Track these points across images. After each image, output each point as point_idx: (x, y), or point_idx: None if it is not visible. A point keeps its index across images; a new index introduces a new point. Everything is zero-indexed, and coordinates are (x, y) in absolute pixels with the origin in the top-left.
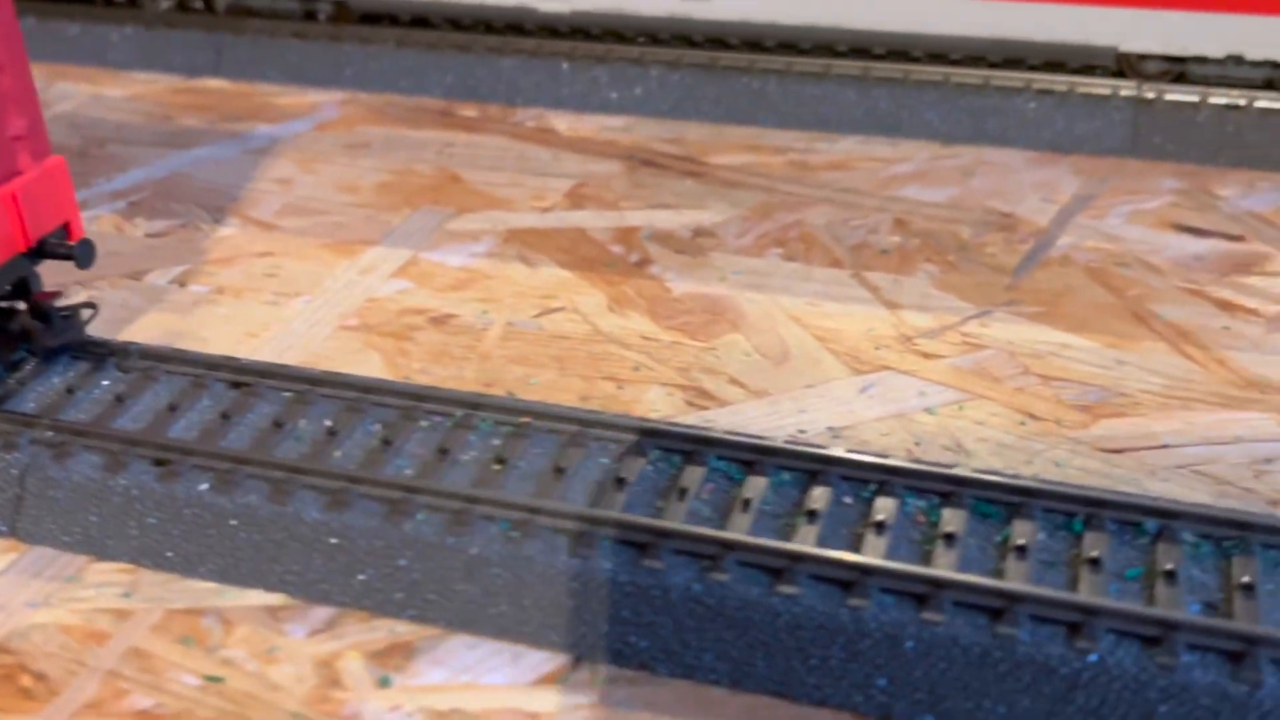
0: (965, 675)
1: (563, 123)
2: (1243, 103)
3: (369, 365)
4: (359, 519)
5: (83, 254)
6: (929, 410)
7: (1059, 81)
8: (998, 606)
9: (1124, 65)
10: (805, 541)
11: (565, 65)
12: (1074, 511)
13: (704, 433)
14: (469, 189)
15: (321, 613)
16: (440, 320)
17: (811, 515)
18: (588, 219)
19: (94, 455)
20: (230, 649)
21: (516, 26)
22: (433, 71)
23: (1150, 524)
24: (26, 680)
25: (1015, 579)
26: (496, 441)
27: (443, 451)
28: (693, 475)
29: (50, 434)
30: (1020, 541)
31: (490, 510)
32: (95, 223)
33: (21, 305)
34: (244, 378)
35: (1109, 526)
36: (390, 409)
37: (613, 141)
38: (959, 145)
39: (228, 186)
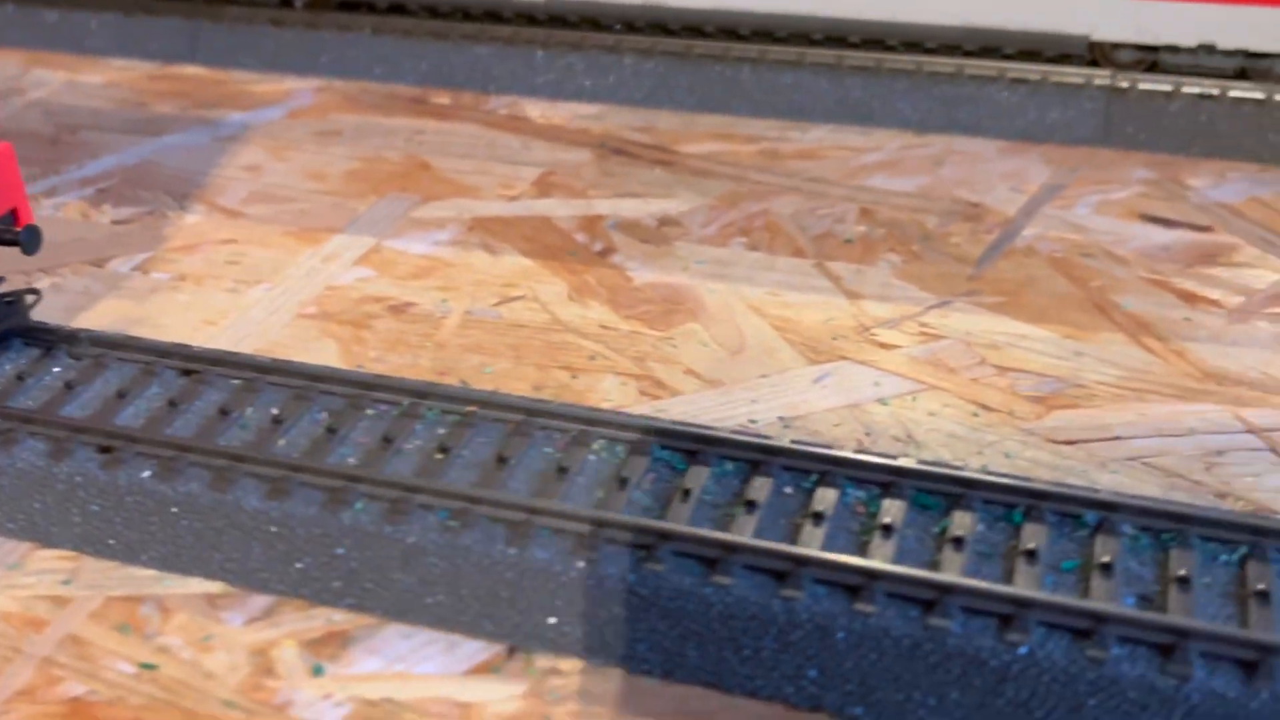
0: (896, 667)
1: (536, 110)
2: (1216, 92)
3: (324, 353)
4: (298, 507)
5: (28, 240)
6: (882, 401)
7: (1032, 70)
8: (930, 598)
9: (1097, 54)
10: (743, 532)
11: (540, 53)
12: (1014, 503)
13: (649, 422)
14: (437, 177)
15: (260, 601)
16: (399, 308)
17: (751, 505)
18: (554, 207)
19: (39, 442)
20: (167, 636)
21: (493, 14)
22: (407, 59)
23: (1090, 516)
24: None
25: (949, 571)
26: (442, 430)
27: (387, 440)
28: (635, 465)
29: None
30: (958, 533)
31: (429, 500)
32: (63, 209)
33: None
34: (194, 365)
35: (1049, 519)
36: (337, 397)
37: (584, 130)
38: (931, 134)
39: (196, 174)
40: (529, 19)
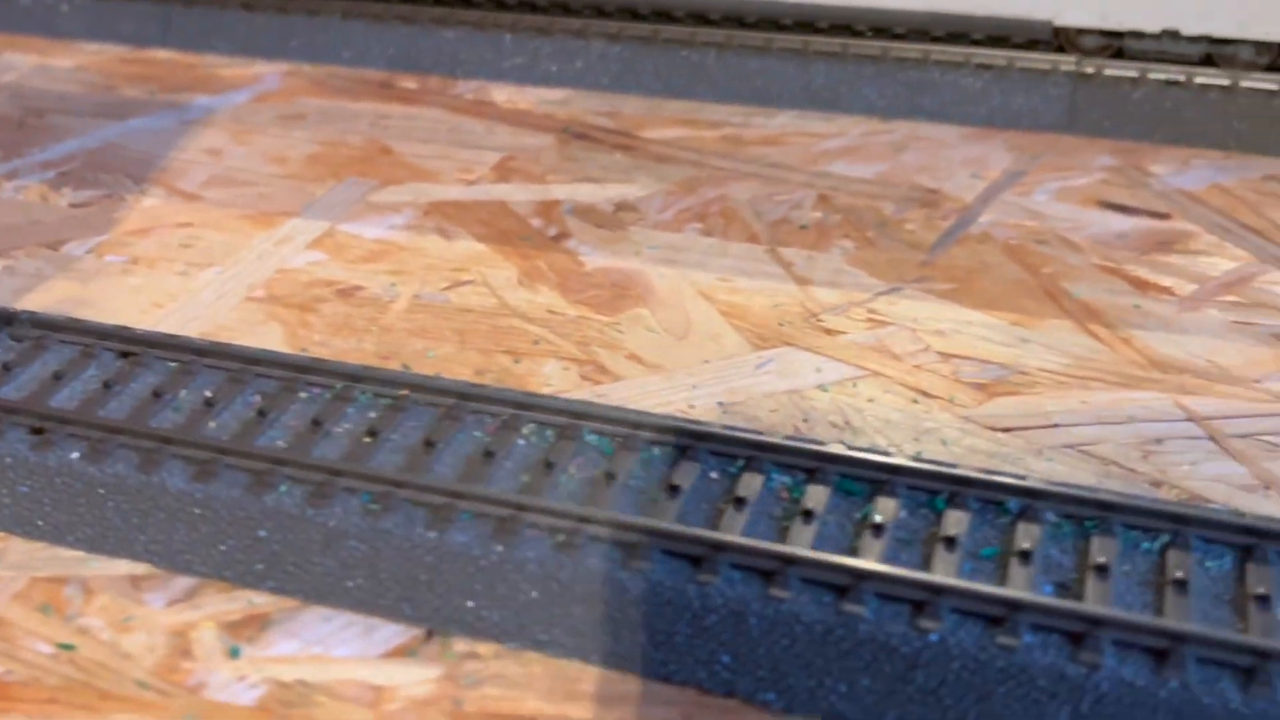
0: (808, 653)
1: (502, 95)
2: (1181, 79)
3: (269, 337)
4: (223, 490)
5: None
6: (822, 387)
7: (998, 56)
8: (844, 584)
9: (1063, 40)
10: (664, 517)
11: (508, 37)
12: (938, 490)
13: (580, 407)
14: (397, 161)
15: (183, 583)
16: (347, 292)
17: (674, 490)
18: (511, 192)
19: None
20: (88, 617)
21: None
22: (375, 43)
23: (1013, 503)
24: None
25: (866, 557)
26: (373, 414)
27: (316, 424)
28: (563, 450)
29: None
30: (878, 519)
31: (353, 483)
32: (23, 192)
33: None
34: (133, 348)
35: (972, 505)
36: (272, 380)
37: (549, 115)
38: (896, 121)
39: (158, 157)
40: (497, 4)
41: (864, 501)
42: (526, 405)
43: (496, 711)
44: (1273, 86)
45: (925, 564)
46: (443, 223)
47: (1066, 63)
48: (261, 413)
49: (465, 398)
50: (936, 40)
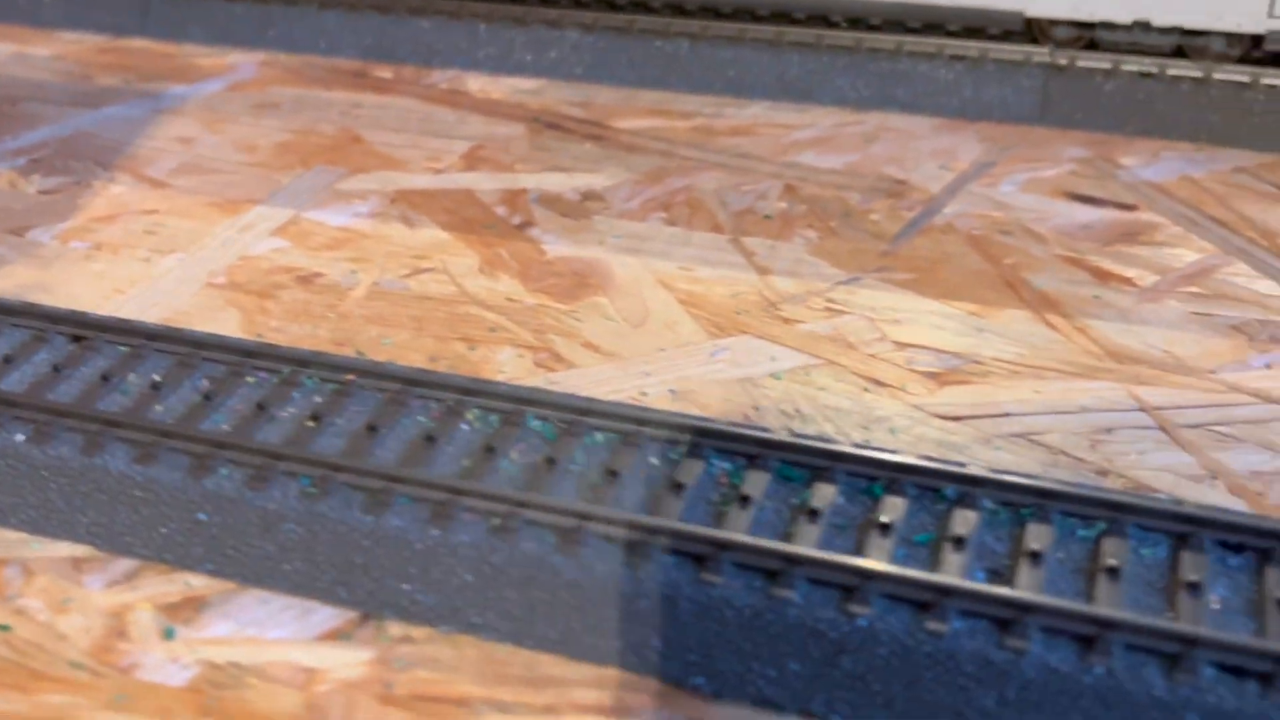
0: (737, 638)
1: (476, 85)
2: (1154, 70)
3: (226, 323)
4: (164, 473)
5: None
6: (775, 375)
7: (972, 48)
8: (775, 568)
9: (1036, 31)
10: (602, 503)
11: (483, 27)
12: (877, 476)
13: (526, 393)
14: (367, 150)
15: (123, 565)
16: (307, 279)
17: (614, 476)
18: (479, 181)
19: None
20: (27, 599)
21: None
22: (351, 33)
23: (950, 490)
24: None
25: (801, 542)
26: (319, 399)
27: (260, 408)
28: (506, 435)
29: None
30: (815, 505)
31: (293, 467)
32: None
33: None
34: (85, 332)
35: (910, 492)
36: (220, 364)
37: (521, 104)
38: (868, 112)
39: (129, 145)
40: None
41: (803, 487)
42: (472, 391)
43: (426, 694)
44: (1245, 79)
45: (858, 550)
46: (408, 211)
47: (1039, 54)
48: (207, 397)
49: (411, 383)
50: (911, 31)
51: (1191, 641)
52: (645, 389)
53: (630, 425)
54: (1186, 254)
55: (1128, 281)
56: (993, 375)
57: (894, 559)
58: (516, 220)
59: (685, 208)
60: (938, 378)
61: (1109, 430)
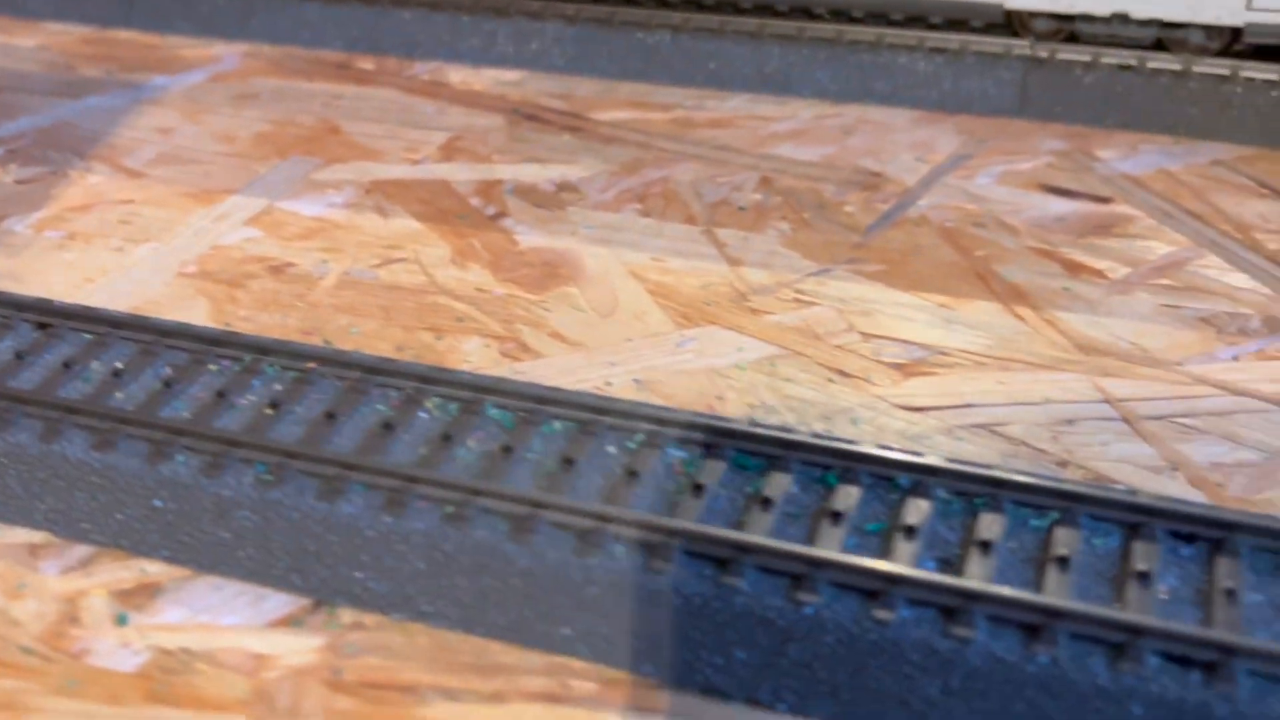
0: (686, 625)
1: (457, 76)
2: (1133, 63)
3: (195, 312)
4: (121, 459)
5: None
6: (740, 366)
7: (952, 40)
8: (725, 557)
9: (1016, 24)
10: (557, 491)
11: (465, 19)
12: (831, 465)
13: (487, 382)
14: (344, 140)
15: (80, 551)
16: (278, 269)
17: (569, 464)
18: (455, 171)
19: None
20: None
21: None
22: (334, 24)
23: (904, 479)
24: None
25: (751, 531)
26: (279, 387)
27: (220, 395)
28: (464, 424)
29: None
30: (768, 494)
31: (249, 454)
32: None
33: None
34: (50, 319)
35: (864, 481)
36: (183, 352)
37: (502, 96)
38: (847, 104)
39: (108, 135)
40: None
41: (757, 476)
42: (432, 379)
43: (374, 681)
44: (1224, 72)
45: (809, 538)
46: (382, 201)
47: (1019, 47)
48: (168, 384)
49: (372, 371)
50: (892, 24)
51: (1136, 631)
52: (610, 379)
53: (588, 414)
54: (1159, 246)
55: (1099, 274)
56: (958, 367)
57: (844, 547)
58: (491, 211)
59: (660, 199)
60: (903, 369)
61: (1071, 422)
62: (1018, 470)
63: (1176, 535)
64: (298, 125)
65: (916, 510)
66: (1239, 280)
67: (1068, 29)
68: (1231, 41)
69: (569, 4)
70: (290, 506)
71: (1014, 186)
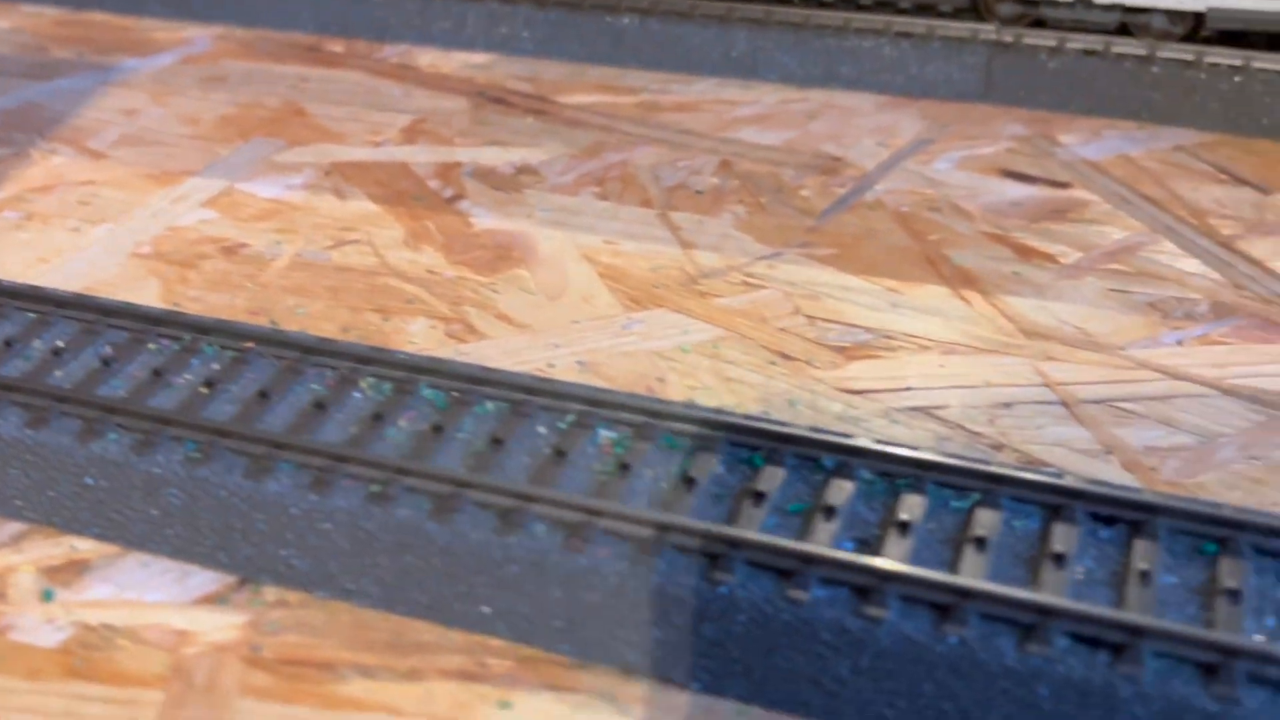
0: (603, 605)
1: (426, 59)
2: (1098, 48)
3: (146, 292)
4: (54, 437)
5: None
6: (684, 348)
7: (919, 25)
8: (644, 537)
9: (982, 8)
10: (482, 470)
11: (435, 2)
12: (758, 446)
13: (424, 362)
14: (308, 123)
15: (11, 528)
16: (231, 250)
17: (497, 443)
18: (415, 154)
19: None
20: None
21: None
22: (306, 7)
23: (828, 460)
24: None
25: (674, 511)
26: (216, 366)
27: (157, 374)
28: (396, 403)
29: None
30: (692, 474)
31: (179, 432)
32: None
33: None
34: None
35: (789, 462)
36: (124, 331)
37: (469, 79)
38: (813, 89)
39: (74, 117)
40: None
41: (684, 457)
42: (368, 359)
43: (292, 658)
44: (1189, 57)
45: (730, 518)
46: (341, 183)
47: (985, 32)
48: (107, 363)
49: (309, 351)
50: (860, 8)
51: (1045, 612)
52: (554, 361)
53: (521, 395)
54: (1114, 232)
55: (1050, 258)
56: (901, 350)
57: (763, 527)
58: (448, 193)
59: (618, 182)
60: (845, 352)
61: (1009, 406)
62: (942, 452)
63: (1098, 518)
64: (263, 107)
65: (839, 491)
66: (1191, 266)
67: (1033, 14)
68: (1195, 27)
69: None
70: (218, 485)
71: (972, 171)
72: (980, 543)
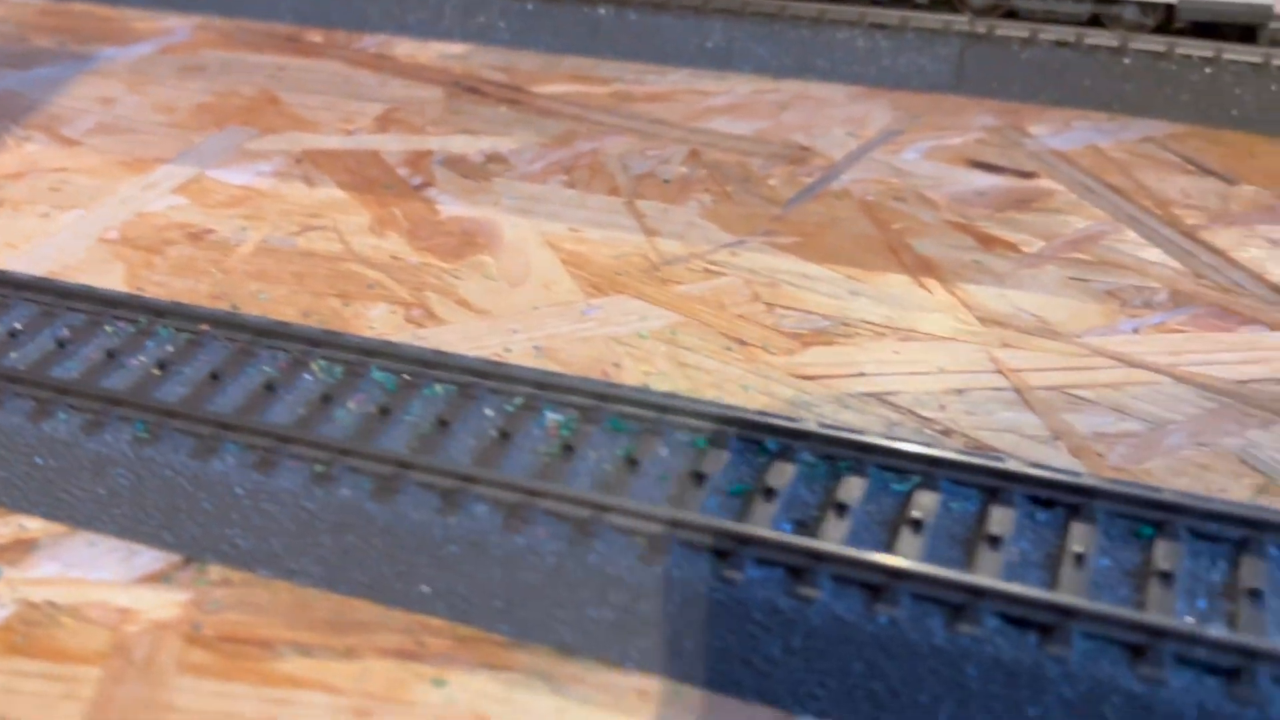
0: (541, 585)
1: (404, 49)
2: (1071, 39)
3: (111, 276)
4: (4, 418)
5: None
6: (641, 334)
7: (892, 16)
8: (583, 518)
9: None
10: (427, 452)
11: None
12: (702, 429)
13: (375, 345)
14: (282, 111)
15: None
16: (197, 236)
17: (443, 425)
18: (386, 142)
19: None
20: None
21: None
22: None
23: (771, 443)
24: None
25: (615, 493)
26: (170, 348)
27: (111, 356)
28: (347, 386)
29: None
30: (636, 456)
31: (128, 413)
32: None
33: None
34: None
35: (734, 445)
36: (81, 314)
37: (445, 69)
38: (787, 80)
39: (51, 105)
40: None
41: (629, 440)
42: (320, 342)
43: (232, 635)
44: (1160, 48)
45: (675, 501)
46: (311, 170)
47: (959, 23)
48: (62, 344)
49: (263, 334)
50: (834, 0)
51: (976, 592)
52: (510, 346)
53: (470, 378)
54: (1077, 221)
55: (1012, 247)
56: (858, 336)
57: (703, 509)
58: (416, 181)
59: (587, 171)
60: (801, 338)
61: (961, 392)
62: (885, 436)
63: (1037, 502)
64: (239, 96)
65: (780, 473)
66: (1152, 255)
67: (1006, 4)
68: (1167, 18)
69: None
70: (164, 465)
71: (940, 161)
72: (916, 525)
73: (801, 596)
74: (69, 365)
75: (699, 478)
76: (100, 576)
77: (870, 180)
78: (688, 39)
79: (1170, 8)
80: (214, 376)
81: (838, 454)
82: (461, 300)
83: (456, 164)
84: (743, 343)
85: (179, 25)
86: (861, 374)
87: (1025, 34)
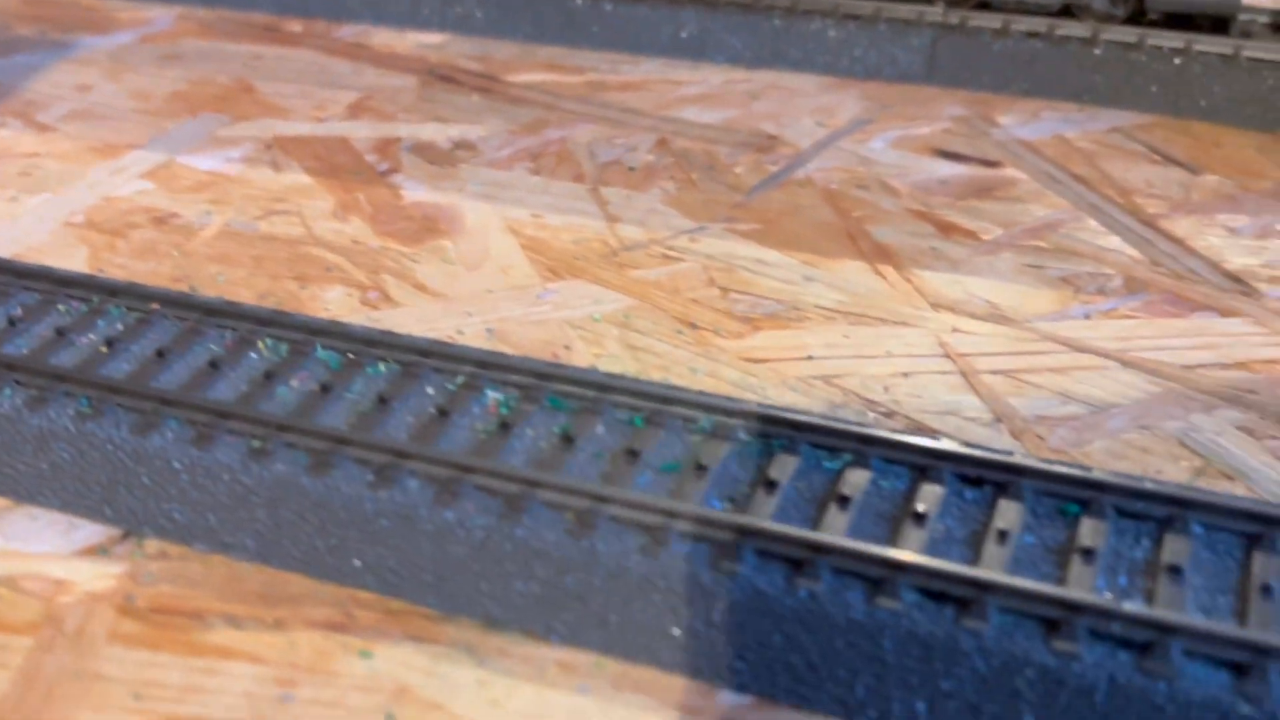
0: (469, 559)
1: (380, 39)
2: (1042, 30)
3: (74, 259)
4: None
5: None
6: (595, 317)
7: (865, 6)
8: (513, 494)
9: None
10: (364, 428)
11: None
12: (638, 408)
13: (322, 325)
14: (256, 99)
15: None
16: (162, 219)
17: (383, 402)
18: (356, 129)
19: None
20: None
21: None
22: None
23: (705, 422)
24: None
25: (547, 470)
26: (120, 327)
27: (60, 333)
28: (291, 364)
29: None
30: (571, 434)
31: (72, 389)
32: None
33: None
34: None
35: (670, 423)
36: (35, 294)
37: (421, 58)
38: (760, 70)
39: (26, 91)
40: None
41: (568, 418)
42: (267, 322)
43: (164, 607)
44: (1131, 39)
45: (607, 479)
46: (279, 157)
47: (932, 13)
48: (13, 323)
49: (212, 313)
50: None
51: (895, 566)
52: (463, 328)
53: (414, 357)
54: (1038, 209)
55: (971, 235)
56: (809, 321)
57: (633, 486)
58: (383, 167)
59: (554, 158)
60: (752, 322)
61: (907, 375)
62: (819, 415)
63: (966, 480)
64: (214, 84)
65: (712, 451)
66: (1111, 243)
67: None
68: (1138, 9)
69: None
70: (105, 439)
71: (906, 151)
72: (844, 501)
73: (724, 570)
74: (18, 343)
75: (632, 455)
76: (39, 549)
77: (835, 169)
78: (662, 29)
79: None
80: (160, 354)
81: (772, 432)
82: (418, 284)
83: (424, 150)
84: (694, 326)
85: (160, 15)
86: (809, 357)
87: (997, 25)
